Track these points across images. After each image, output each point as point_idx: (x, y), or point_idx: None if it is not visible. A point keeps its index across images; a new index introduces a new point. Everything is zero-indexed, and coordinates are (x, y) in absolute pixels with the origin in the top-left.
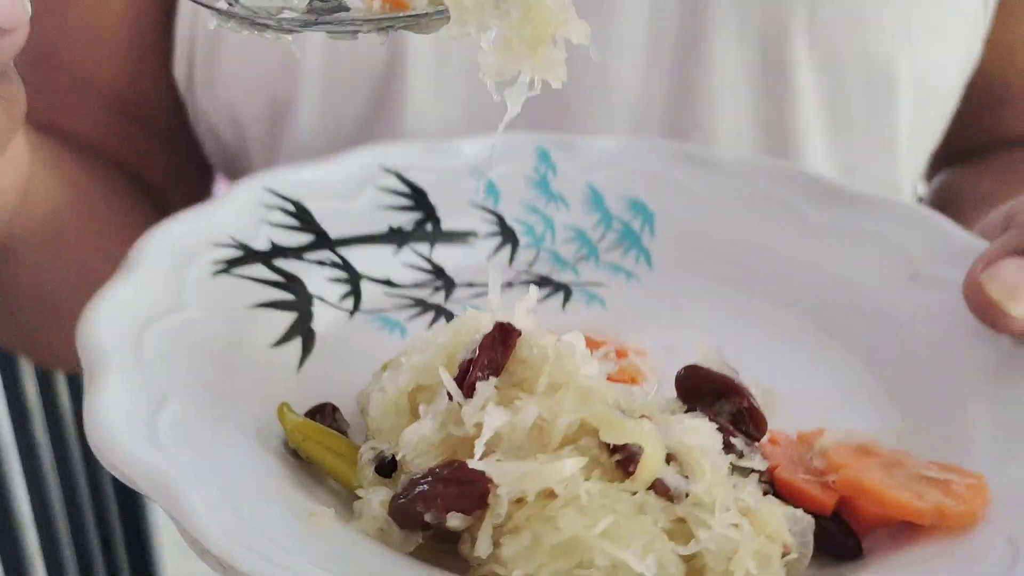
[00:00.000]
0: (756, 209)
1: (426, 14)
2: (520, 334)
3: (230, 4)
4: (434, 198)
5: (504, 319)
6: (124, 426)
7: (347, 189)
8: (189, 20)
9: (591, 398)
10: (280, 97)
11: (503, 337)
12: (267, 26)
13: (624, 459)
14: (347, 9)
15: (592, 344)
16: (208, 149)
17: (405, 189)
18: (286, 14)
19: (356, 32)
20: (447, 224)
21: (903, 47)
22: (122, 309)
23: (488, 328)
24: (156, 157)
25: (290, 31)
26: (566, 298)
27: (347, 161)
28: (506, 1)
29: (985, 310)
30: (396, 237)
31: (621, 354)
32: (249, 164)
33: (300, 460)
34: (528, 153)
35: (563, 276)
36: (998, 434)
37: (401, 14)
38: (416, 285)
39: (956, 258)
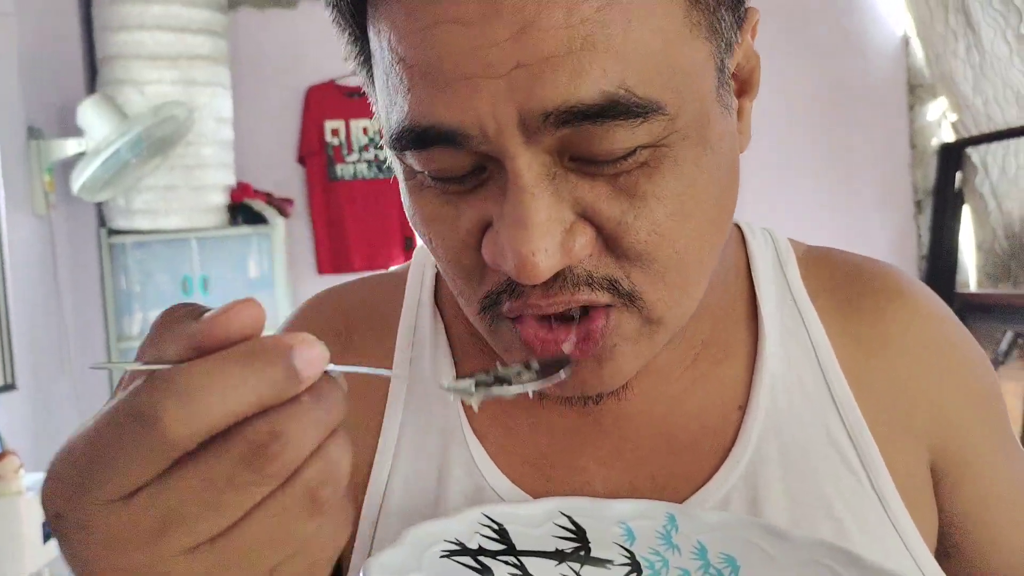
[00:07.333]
0: (810, 569)
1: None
2: None
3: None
4: (590, 536)
5: None
6: None
7: (534, 521)
8: None
9: None
10: None
11: None
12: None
13: None
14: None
15: None
16: None
17: (572, 527)
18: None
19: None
20: (595, 553)
21: None
22: (385, 568)
23: None
24: None
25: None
26: None
27: (540, 505)
28: None
29: None
30: (558, 556)
31: None
32: None
33: None
34: (662, 515)
35: None
36: None
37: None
38: None
39: None
